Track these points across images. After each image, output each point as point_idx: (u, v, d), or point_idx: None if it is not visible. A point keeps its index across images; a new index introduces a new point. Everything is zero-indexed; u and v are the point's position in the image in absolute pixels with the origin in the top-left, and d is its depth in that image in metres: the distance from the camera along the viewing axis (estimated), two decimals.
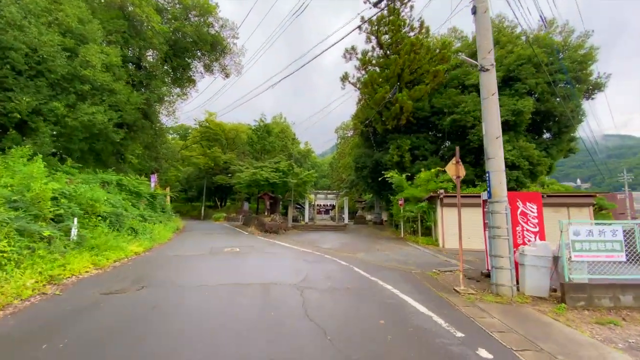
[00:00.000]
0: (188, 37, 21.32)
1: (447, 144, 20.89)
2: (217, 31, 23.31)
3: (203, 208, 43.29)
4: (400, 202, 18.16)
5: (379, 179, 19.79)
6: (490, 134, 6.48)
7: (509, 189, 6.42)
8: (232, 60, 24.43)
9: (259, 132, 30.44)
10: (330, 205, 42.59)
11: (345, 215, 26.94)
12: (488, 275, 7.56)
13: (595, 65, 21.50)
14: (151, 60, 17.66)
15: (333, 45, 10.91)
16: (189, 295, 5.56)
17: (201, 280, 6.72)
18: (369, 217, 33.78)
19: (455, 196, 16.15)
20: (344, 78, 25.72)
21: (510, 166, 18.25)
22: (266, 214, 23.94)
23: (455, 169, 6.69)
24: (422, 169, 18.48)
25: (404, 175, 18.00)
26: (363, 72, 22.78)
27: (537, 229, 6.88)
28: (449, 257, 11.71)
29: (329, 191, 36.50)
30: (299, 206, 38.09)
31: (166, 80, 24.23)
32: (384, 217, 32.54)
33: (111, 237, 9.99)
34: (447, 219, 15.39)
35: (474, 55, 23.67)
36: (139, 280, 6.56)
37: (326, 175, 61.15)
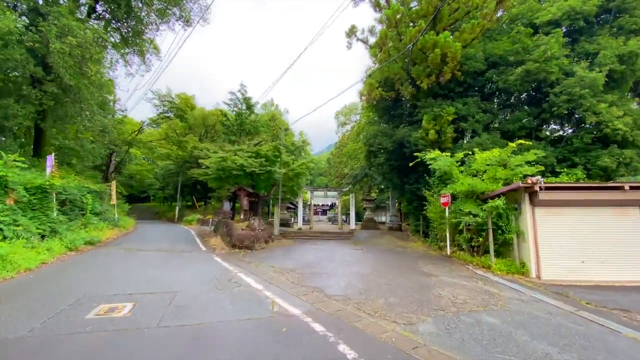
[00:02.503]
0: None
1: (508, 113, 14.07)
2: None
3: (178, 209, 36.18)
4: (443, 199, 11.45)
5: (410, 164, 13.00)
6: None
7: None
8: (195, 4, 17.48)
9: (237, 108, 23.28)
10: (329, 204, 35.78)
11: (352, 218, 20.19)
12: None
13: None
14: None
15: None
16: None
17: None
18: (381, 219, 27.18)
19: (566, 188, 6.93)
20: (351, 32, 18.82)
21: (619, 142, 11.62)
22: (242, 216, 17.03)
23: None
24: (477, 149, 11.73)
25: (459, 154, 11.21)
26: (379, 13, 15.98)
27: None
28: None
29: (330, 188, 29.73)
30: (292, 206, 31.23)
31: (105, 33, 17.24)
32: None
33: None
34: (545, 228, 8.69)
35: None
36: None
37: (323, 173, 54.56)
